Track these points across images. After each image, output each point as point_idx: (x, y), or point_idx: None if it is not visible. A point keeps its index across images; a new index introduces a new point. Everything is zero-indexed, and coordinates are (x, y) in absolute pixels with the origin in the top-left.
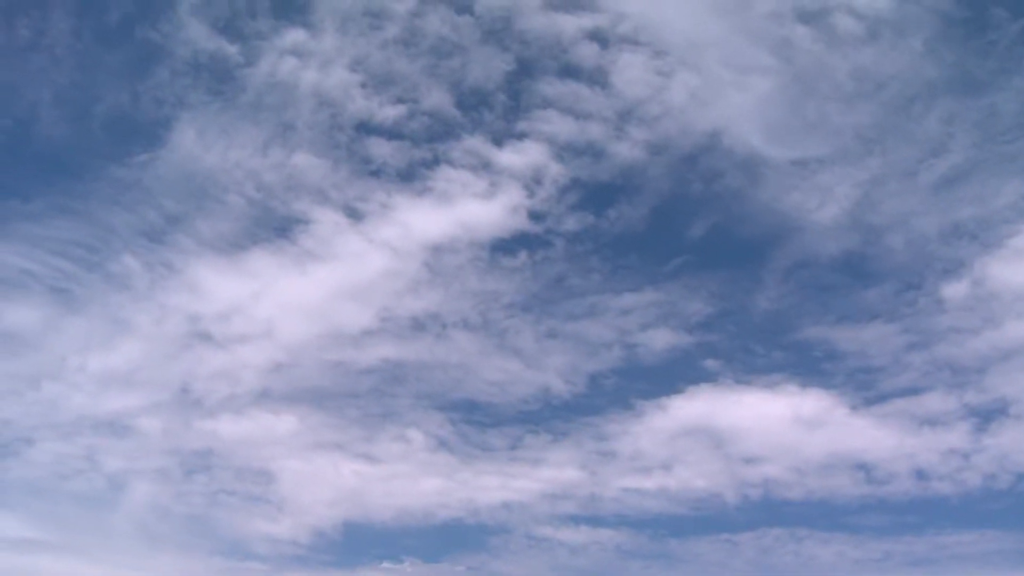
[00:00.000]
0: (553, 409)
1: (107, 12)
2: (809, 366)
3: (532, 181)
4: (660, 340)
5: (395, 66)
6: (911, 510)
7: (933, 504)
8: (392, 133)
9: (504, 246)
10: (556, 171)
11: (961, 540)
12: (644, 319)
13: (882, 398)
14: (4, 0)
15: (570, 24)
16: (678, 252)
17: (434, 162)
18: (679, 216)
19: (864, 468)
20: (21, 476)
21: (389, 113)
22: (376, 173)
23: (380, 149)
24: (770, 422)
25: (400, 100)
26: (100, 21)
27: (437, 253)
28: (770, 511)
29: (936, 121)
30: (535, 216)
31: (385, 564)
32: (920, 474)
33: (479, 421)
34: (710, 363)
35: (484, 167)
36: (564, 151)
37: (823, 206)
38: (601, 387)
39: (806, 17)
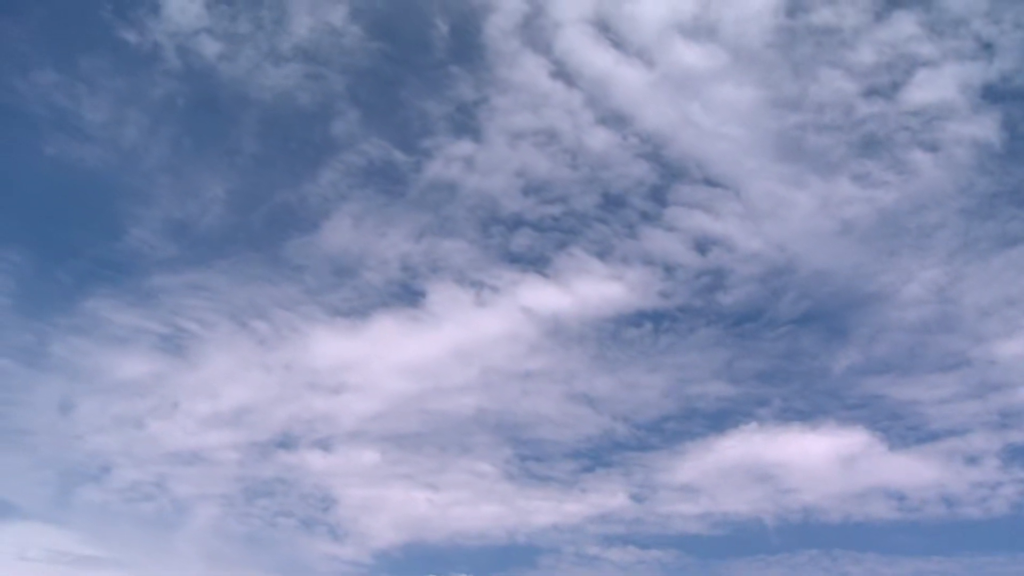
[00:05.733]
0: (611, 447)
1: (283, 129)
2: (854, 411)
3: (666, 266)
4: (714, 390)
5: (556, 174)
6: (942, 533)
7: (966, 528)
8: (539, 226)
9: (628, 320)
10: (690, 259)
11: (993, 561)
12: (703, 373)
13: (930, 437)
14: (190, 117)
15: (715, 146)
16: (780, 323)
17: (570, 248)
18: (788, 294)
19: (898, 496)
20: (93, 499)
21: (542, 211)
22: (516, 258)
23: (525, 239)
24: (811, 458)
25: (553, 201)
26: (276, 135)
27: (552, 324)
28: (806, 533)
29: (1018, 222)
30: (664, 295)
31: None
32: (954, 501)
33: (543, 457)
34: (764, 410)
35: (613, 253)
36: (699, 242)
37: (906, 284)
38: (658, 429)
39: (928, 146)
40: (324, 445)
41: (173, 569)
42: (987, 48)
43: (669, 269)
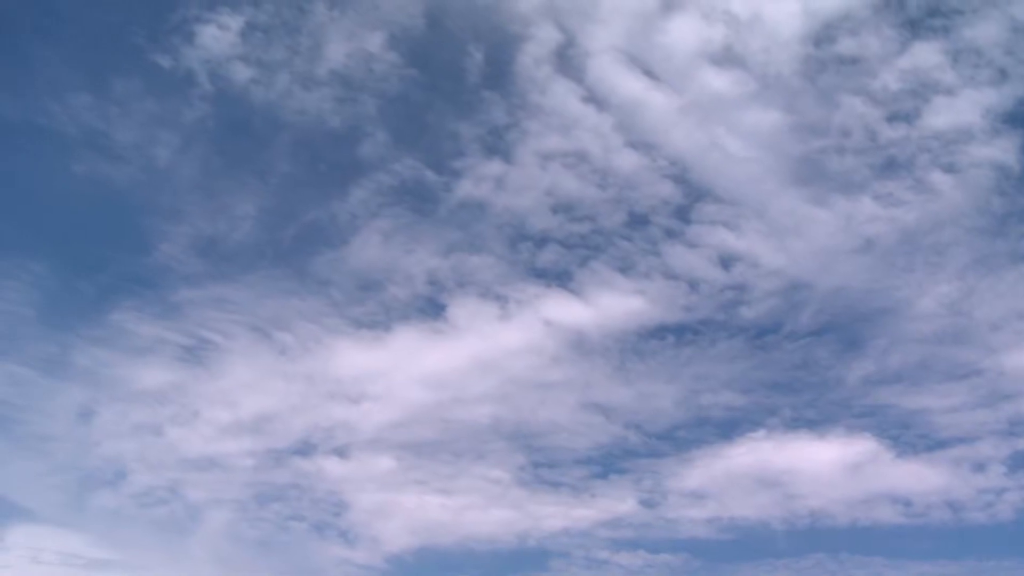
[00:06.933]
0: (622, 454)
1: (315, 150)
2: (863, 419)
3: (691, 281)
4: (725, 399)
5: (585, 194)
6: (948, 538)
7: (971, 533)
8: (566, 243)
9: (651, 333)
10: (715, 274)
11: (998, 565)
12: (716, 383)
13: (939, 445)
14: (222, 138)
15: (741, 168)
16: (799, 336)
17: (595, 263)
18: (807, 308)
19: (904, 502)
20: (107, 504)
21: (569, 229)
22: (541, 273)
23: (551, 255)
24: (819, 465)
25: (581, 219)
26: (307, 156)
27: (574, 337)
28: (813, 538)
29: None
30: (688, 308)
31: None
32: (960, 507)
33: (555, 463)
34: (773, 419)
35: (637, 269)
36: (724, 258)
37: (920, 299)
38: (669, 437)
39: (948, 168)
40: (341, 452)
41: (184, 572)
42: (1004, 75)
43: (693, 284)
